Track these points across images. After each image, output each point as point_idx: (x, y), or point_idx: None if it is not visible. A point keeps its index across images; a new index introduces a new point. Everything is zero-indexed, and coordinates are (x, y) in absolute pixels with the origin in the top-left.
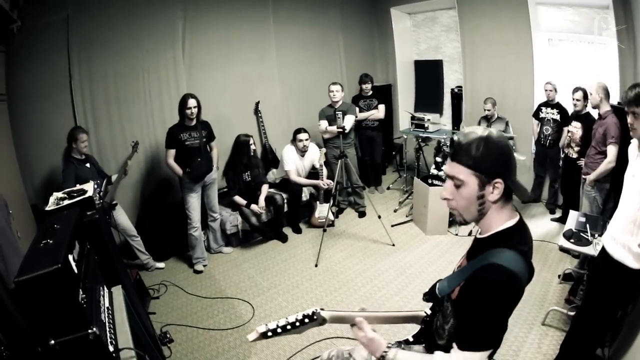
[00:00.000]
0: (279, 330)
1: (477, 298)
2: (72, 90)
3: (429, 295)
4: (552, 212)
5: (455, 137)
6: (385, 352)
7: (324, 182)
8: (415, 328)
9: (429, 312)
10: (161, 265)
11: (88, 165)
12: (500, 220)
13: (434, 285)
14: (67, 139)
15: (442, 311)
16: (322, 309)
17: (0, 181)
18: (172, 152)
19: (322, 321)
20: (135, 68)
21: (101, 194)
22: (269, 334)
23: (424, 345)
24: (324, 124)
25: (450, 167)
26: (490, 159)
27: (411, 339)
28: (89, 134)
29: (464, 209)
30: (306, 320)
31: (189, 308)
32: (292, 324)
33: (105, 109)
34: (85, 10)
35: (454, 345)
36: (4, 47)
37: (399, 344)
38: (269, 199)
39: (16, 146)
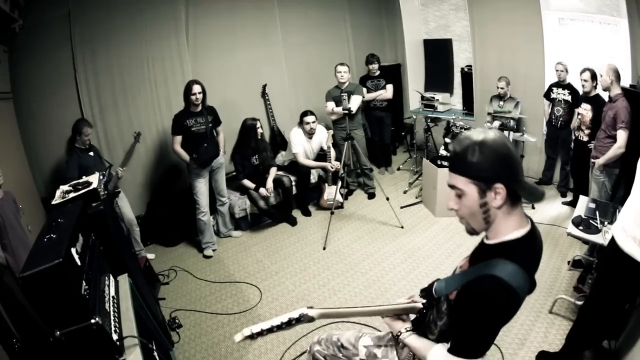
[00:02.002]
0: (264, 333)
1: (470, 308)
2: (78, 83)
3: (425, 293)
4: (564, 195)
5: (451, 146)
6: (401, 332)
7: (332, 164)
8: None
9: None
10: (151, 256)
11: (92, 153)
12: (508, 227)
13: (432, 284)
14: (72, 130)
15: (437, 307)
16: (310, 307)
17: (10, 177)
18: (179, 138)
19: (310, 320)
20: (139, 58)
21: (104, 181)
22: (255, 335)
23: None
24: (330, 105)
25: (450, 177)
26: (486, 165)
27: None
28: (94, 127)
29: (470, 218)
30: (293, 322)
31: (197, 293)
32: (278, 327)
33: (112, 99)
34: (86, 4)
35: (430, 336)
36: (6, 46)
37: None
38: (277, 182)
39: (25, 142)
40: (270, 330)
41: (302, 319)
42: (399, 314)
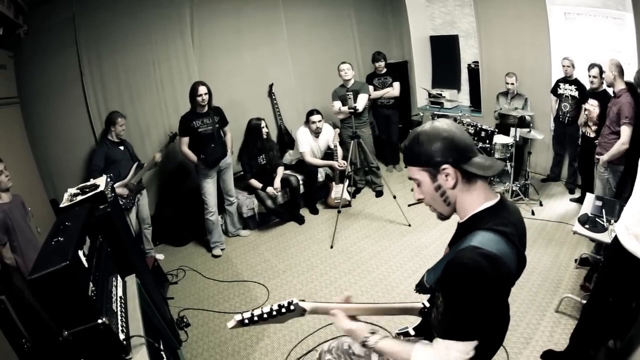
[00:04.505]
0: (255, 318)
1: (452, 283)
2: (84, 86)
3: (420, 287)
4: (572, 191)
5: (402, 143)
6: (367, 337)
7: (339, 163)
8: (418, 320)
9: (427, 304)
10: (160, 256)
11: (122, 148)
12: (474, 203)
13: (423, 277)
14: (105, 123)
15: (436, 302)
16: (302, 300)
17: (18, 181)
18: (186, 139)
19: (302, 312)
20: (145, 59)
21: (128, 177)
22: (246, 321)
23: (423, 338)
24: (337, 104)
25: (408, 171)
26: (429, 151)
27: (412, 332)
28: (126, 117)
29: (433, 203)
30: (283, 310)
31: (206, 292)
32: (269, 314)
33: (119, 101)
34: (90, 8)
35: (436, 334)
36: (12, 52)
37: (398, 335)
38: (285, 181)
39: (33, 145)
40: (261, 317)
41: (292, 309)
42: (398, 314)
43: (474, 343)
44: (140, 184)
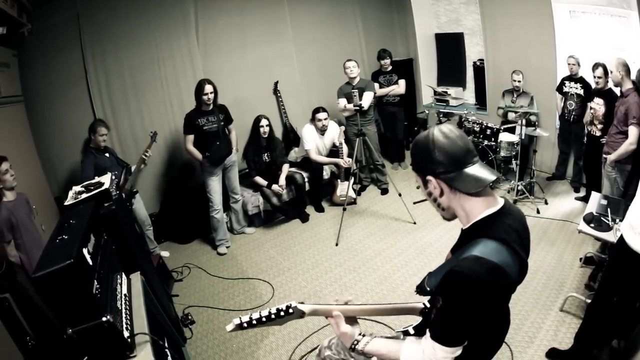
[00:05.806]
0: (254, 322)
1: (450, 292)
2: (89, 84)
3: (420, 289)
4: (577, 190)
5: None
6: (357, 340)
7: (344, 160)
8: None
9: (428, 304)
10: (165, 254)
11: (107, 155)
12: (476, 208)
13: (424, 279)
14: (88, 130)
15: (436, 305)
16: (301, 302)
17: (23, 179)
18: (191, 137)
19: (301, 314)
20: (149, 57)
21: (120, 182)
22: (244, 325)
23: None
24: (342, 102)
25: None
26: (416, 158)
27: (412, 331)
28: (109, 128)
29: (433, 205)
30: (281, 313)
31: (210, 289)
32: (267, 317)
33: (123, 99)
34: (94, 6)
35: (427, 331)
36: (16, 50)
37: (399, 334)
38: (290, 179)
39: (37, 143)
40: (260, 320)
41: (291, 312)
42: (399, 314)
43: (459, 347)
44: (133, 189)
